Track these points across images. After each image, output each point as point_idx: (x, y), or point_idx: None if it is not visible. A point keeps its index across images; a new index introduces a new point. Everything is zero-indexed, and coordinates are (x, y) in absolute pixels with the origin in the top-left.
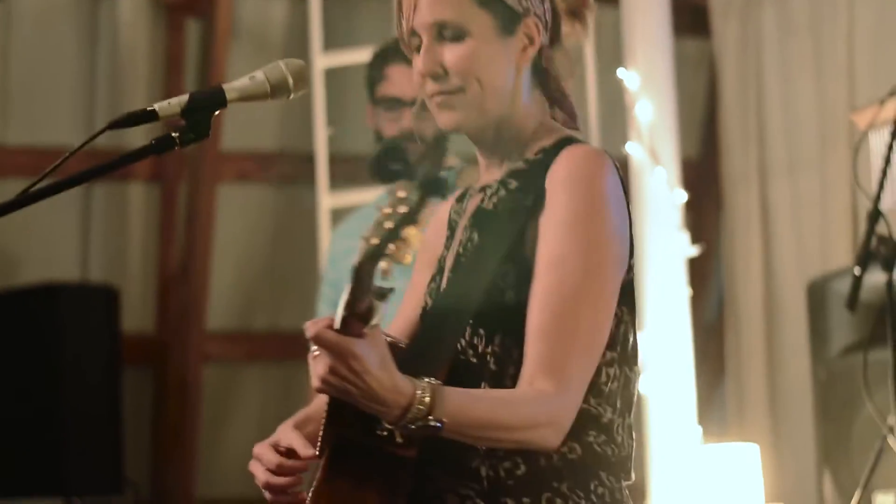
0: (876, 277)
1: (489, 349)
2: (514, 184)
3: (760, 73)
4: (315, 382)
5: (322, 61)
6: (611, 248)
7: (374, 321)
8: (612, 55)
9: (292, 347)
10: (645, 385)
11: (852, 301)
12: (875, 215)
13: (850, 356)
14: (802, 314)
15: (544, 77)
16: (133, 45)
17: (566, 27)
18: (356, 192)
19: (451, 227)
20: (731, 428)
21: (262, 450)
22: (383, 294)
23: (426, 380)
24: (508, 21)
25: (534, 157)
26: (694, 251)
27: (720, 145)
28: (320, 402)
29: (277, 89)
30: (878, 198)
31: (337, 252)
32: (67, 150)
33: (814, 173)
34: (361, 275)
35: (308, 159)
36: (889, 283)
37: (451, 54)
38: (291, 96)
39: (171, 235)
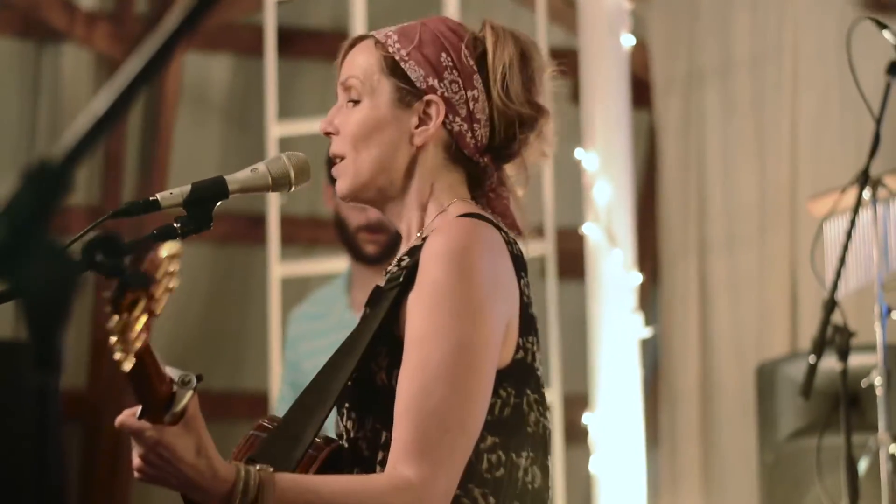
0: (825, 363)
1: (360, 434)
2: (406, 260)
3: (702, 150)
4: (135, 473)
5: (276, 130)
6: (480, 320)
7: (176, 408)
8: (571, 135)
9: (224, 407)
10: (595, 466)
11: (807, 389)
12: (831, 305)
13: (798, 440)
14: (739, 390)
15: (480, 173)
16: (75, 99)
17: (524, 137)
18: (306, 262)
19: None
20: (663, 501)
21: None
22: (186, 381)
23: (257, 466)
24: (407, 94)
25: (430, 233)
26: (647, 333)
27: (658, 219)
28: None
29: (279, 182)
30: (834, 287)
31: (294, 335)
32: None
33: (753, 251)
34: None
35: (248, 220)
36: (843, 372)
37: (343, 116)
38: (293, 189)
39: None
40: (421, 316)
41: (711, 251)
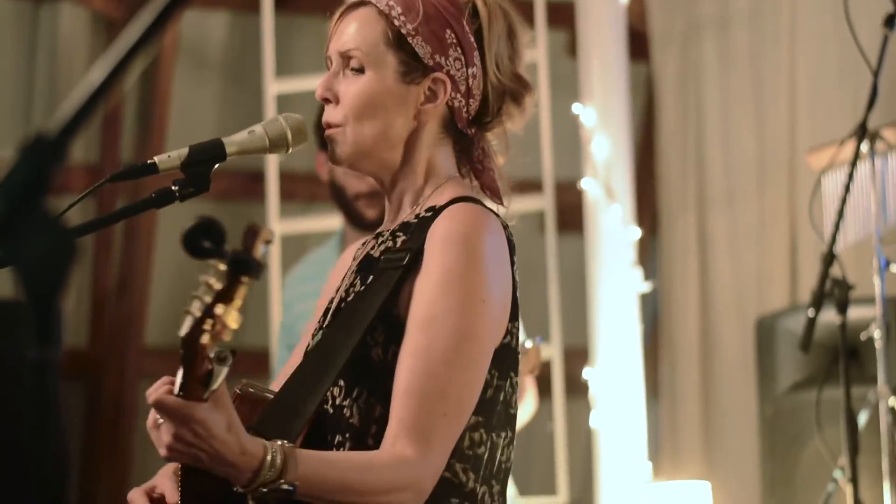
0: (824, 316)
1: (346, 402)
2: (401, 237)
3: (700, 103)
4: (161, 451)
5: (274, 87)
6: (485, 309)
7: (214, 385)
8: (569, 88)
9: None
10: (596, 420)
11: (806, 342)
12: (829, 258)
13: (797, 393)
14: (739, 343)
15: (468, 145)
16: (72, 58)
17: (505, 108)
18: (305, 219)
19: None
20: (663, 455)
21: (136, 496)
22: (223, 358)
23: (279, 442)
24: (413, 70)
25: (424, 213)
26: (646, 287)
27: (657, 172)
28: None
29: (276, 144)
30: (833, 240)
31: (289, 298)
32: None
33: (752, 204)
34: (186, 345)
35: (247, 175)
36: (843, 325)
37: (345, 85)
38: (290, 150)
39: (108, 251)
40: (429, 299)
41: (711, 205)
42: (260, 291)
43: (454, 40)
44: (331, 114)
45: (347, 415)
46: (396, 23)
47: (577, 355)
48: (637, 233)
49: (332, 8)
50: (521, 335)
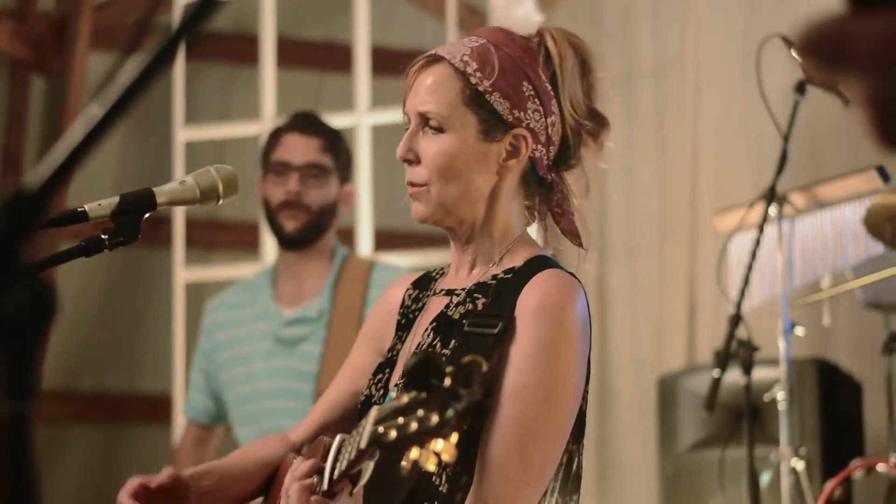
0: (727, 376)
1: (437, 470)
2: (481, 300)
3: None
4: None
5: (183, 135)
6: (572, 382)
7: (363, 481)
8: None
9: (117, 409)
10: None
11: (710, 402)
12: (736, 319)
13: (698, 452)
14: (637, 400)
15: (548, 191)
16: None
17: (584, 146)
18: (208, 267)
19: (406, 315)
20: None
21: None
22: (374, 454)
23: None
24: (493, 127)
25: (503, 275)
26: None
27: None
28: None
29: (207, 195)
30: (739, 302)
31: (209, 324)
32: None
33: (652, 261)
34: (364, 454)
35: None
36: (747, 386)
37: (426, 145)
38: (220, 202)
39: None
40: (520, 370)
41: (610, 260)
42: (157, 335)
43: (532, 92)
44: (413, 174)
45: (437, 483)
46: (473, 80)
47: None
48: None
49: (237, 53)
50: None
